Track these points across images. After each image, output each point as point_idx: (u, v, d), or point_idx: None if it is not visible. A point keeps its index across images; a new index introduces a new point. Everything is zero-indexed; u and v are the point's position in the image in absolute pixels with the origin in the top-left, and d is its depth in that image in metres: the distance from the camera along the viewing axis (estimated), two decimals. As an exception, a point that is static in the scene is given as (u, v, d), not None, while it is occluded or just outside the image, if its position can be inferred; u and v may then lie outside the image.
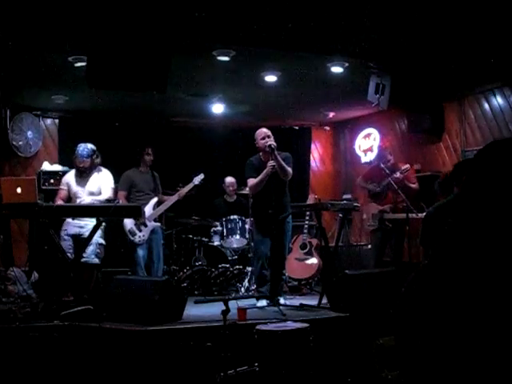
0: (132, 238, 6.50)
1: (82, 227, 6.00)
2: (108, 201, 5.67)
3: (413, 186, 6.84)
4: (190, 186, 6.93)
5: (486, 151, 1.22)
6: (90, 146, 6.10)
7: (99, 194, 6.11)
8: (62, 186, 6.24)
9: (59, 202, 5.99)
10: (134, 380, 4.37)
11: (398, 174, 6.73)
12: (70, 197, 6.15)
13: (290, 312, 5.37)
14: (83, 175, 6.10)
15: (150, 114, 8.52)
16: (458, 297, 1.02)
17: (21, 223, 7.50)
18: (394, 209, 6.84)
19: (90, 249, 5.87)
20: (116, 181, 6.48)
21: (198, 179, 6.99)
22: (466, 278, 1.04)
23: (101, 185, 6.13)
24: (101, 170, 6.19)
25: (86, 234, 5.79)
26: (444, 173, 5.82)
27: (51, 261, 5.95)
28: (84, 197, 6.06)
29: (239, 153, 7.71)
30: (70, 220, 6.04)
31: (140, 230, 6.53)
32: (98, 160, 6.15)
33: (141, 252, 6.54)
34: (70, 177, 6.20)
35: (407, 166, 6.85)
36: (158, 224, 6.77)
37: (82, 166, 6.06)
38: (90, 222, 5.80)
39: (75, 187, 6.11)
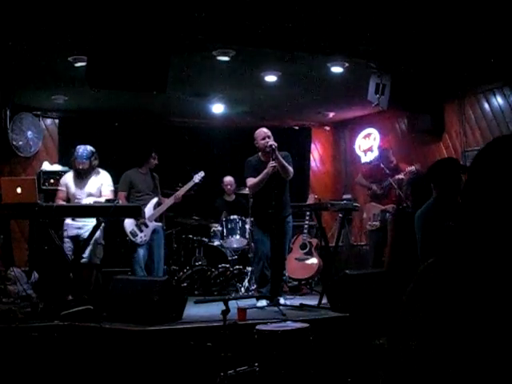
0: (134, 239, 6.50)
1: (80, 228, 5.99)
2: (108, 201, 5.66)
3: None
4: (191, 184, 6.91)
5: (488, 150, 1.17)
6: (90, 147, 6.09)
7: (98, 195, 6.09)
8: (60, 187, 6.20)
9: (60, 203, 5.98)
10: (134, 380, 4.37)
11: (401, 176, 6.73)
12: (69, 198, 6.14)
13: (289, 312, 5.37)
14: (82, 177, 6.08)
15: (150, 114, 8.52)
16: (463, 301, 1.01)
17: (21, 223, 7.50)
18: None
19: (89, 249, 5.87)
20: (115, 181, 6.48)
21: (198, 177, 6.97)
22: (472, 284, 1.03)
23: (100, 186, 6.12)
24: (99, 172, 6.18)
25: (85, 234, 5.80)
26: (416, 172, 5.82)
27: (51, 261, 5.96)
28: (83, 198, 6.05)
29: (239, 153, 7.71)
30: (69, 221, 6.03)
31: (141, 231, 6.53)
32: (97, 162, 6.15)
33: (141, 252, 6.54)
34: (69, 178, 6.18)
35: (412, 167, 6.85)
36: (160, 224, 6.76)
37: (82, 167, 6.03)
38: (89, 223, 5.81)
39: (74, 189, 6.09)
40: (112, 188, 6.23)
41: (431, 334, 1.04)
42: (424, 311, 1.06)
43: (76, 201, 6.05)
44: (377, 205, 6.95)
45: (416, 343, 1.04)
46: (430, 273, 1.11)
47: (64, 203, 6.00)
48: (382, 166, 6.96)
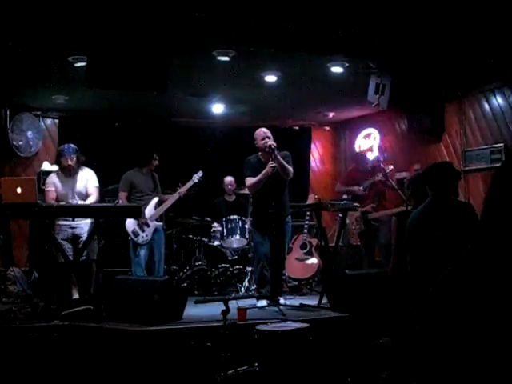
0: (135, 239, 6.49)
1: (75, 228, 5.96)
2: (108, 201, 5.66)
3: (390, 183, 6.82)
4: (190, 183, 6.93)
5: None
6: (73, 145, 6.09)
7: (86, 193, 6.07)
8: (50, 187, 6.07)
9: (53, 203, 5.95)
10: (134, 380, 4.37)
11: (380, 176, 6.76)
12: (57, 197, 6.04)
13: (289, 312, 5.37)
14: (70, 175, 6.04)
15: (150, 114, 8.52)
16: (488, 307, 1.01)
17: (21, 223, 7.51)
18: (376, 208, 6.88)
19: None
20: (116, 181, 6.47)
21: (196, 177, 7.00)
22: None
23: (86, 183, 6.08)
24: (83, 169, 6.14)
25: (81, 232, 5.82)
26: (416, 172, 5.84)
27: (51, 261, 5.95)
28: (73, 198, 6.01)
29: (239, 153, 7.71)
30: (62, 222, 5.96)
31: (143, 231, 6.52)
32: (83, 158, 6.14)
33: (142, 252, 6.53)
34: (55, 178, 6.10)
35: (391, 167, 6.90)
36: (161, 224, 6.76)
37: (70, 164, 5.98)
38: (82, 221, 5.81)
39: (62, 188, 6.03)
40: (97, 184, 6.16)
41: (450, 340, 1.04)
42: (443, 318, 1.06)
43: (65, 200, 5.99)
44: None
45: (435, 348, 1.04)
46: (451, 281, 1.11)
47: (61, 203, 5.96)
48: (381, 165, 6.99)
